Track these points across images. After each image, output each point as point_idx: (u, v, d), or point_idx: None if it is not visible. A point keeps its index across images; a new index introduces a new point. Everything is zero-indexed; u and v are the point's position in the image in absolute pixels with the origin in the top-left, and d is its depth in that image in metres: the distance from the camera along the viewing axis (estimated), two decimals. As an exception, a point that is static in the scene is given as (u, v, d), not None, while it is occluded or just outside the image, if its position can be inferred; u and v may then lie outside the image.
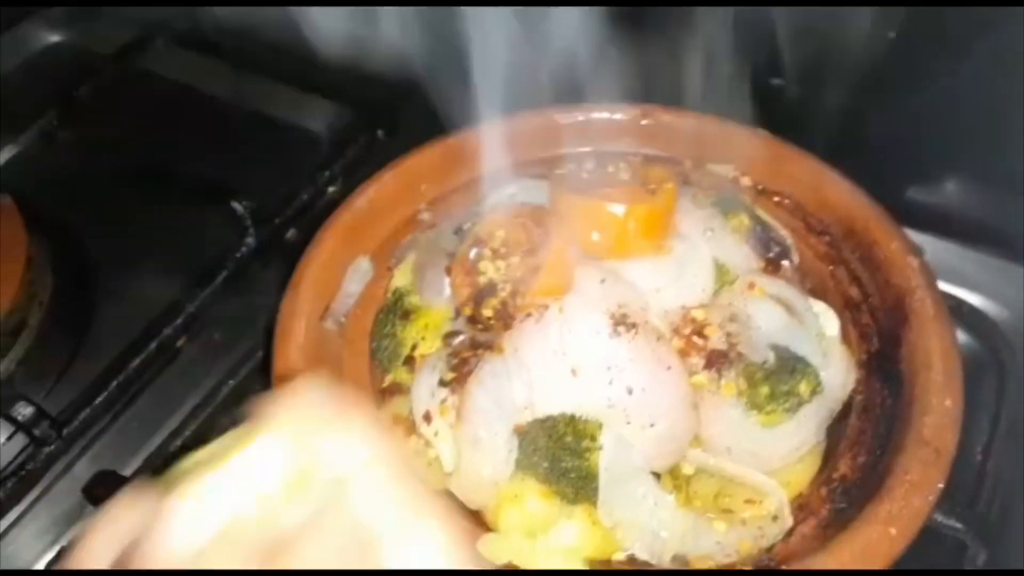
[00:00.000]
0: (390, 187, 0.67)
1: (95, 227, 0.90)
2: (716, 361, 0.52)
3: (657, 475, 0.54)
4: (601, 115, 0.72)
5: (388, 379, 0.59)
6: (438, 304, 0.59)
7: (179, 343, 0.79)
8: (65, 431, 0.70)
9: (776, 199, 0.69)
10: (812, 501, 0.54)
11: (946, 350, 0.55)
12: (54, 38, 1.08)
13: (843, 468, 0.55)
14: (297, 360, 0.57)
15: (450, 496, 0.55)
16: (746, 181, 0.69)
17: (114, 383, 0.73)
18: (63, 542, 0.65)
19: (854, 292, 0.63)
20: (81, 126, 0.97)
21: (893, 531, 0.48)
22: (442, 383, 0.55)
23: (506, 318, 0.53)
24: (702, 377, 0.53)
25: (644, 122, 0.71)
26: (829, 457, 0.56)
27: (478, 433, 0.53)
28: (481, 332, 0.54)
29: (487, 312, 0.54)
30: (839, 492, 0.54)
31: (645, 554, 0.52)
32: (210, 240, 0.83)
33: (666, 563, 0.51)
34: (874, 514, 0.49)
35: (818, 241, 0.66)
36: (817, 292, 0.63)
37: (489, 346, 0.54)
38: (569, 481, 0.51)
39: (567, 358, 0.50)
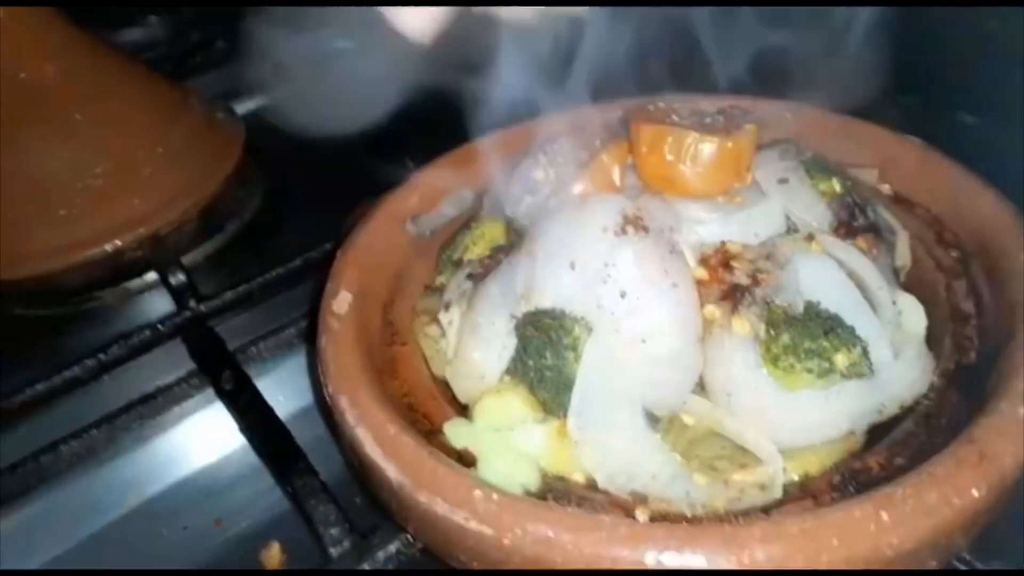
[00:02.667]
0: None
1: (311, 171, 1.03)
2: (733, 294, 0.47)
3: (655, 419, 0.49)
4: (748, 103, 0.69)
5: (439, 279, 0.61)
6: (499, 217, 0.60)
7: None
8: (204, 305, 0.80)
9: (915, 209, 0.61)
10: (818, 485, 0.46)
11: (1042, 361, 0.45)
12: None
13: (872, 463, 0.46)
14: (370, 245, 0.61)
15: (445, 386, 0.54)
16: (886, 188, 0.63)
17: (256, 282, 0.82)
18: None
19: (967, 306, 0.54)
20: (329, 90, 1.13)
21: (885, 516, 0.39)
22: (469, 276, 0.56)
23: (537, 217, 0.53)
24: (714, 308, 0.48)
25: (789, 115, 0.67)
26: (860, 452, 0.47)
27: (478, 320, 0.52)
28: (516, 233, 0.54)
29: (522, 209, 0.54)
30: (853, 483, 0.45)
31: (605, 482, 0.47)
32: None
33: (623, 496, 0.46)
34: (870, 497, 0.40)
35: (945, 254, 0.58)
36: (925, 299, 0.54)
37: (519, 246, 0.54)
38: (547, 383, 0.49)
39: (569, 250, 0.49)
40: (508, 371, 0.52)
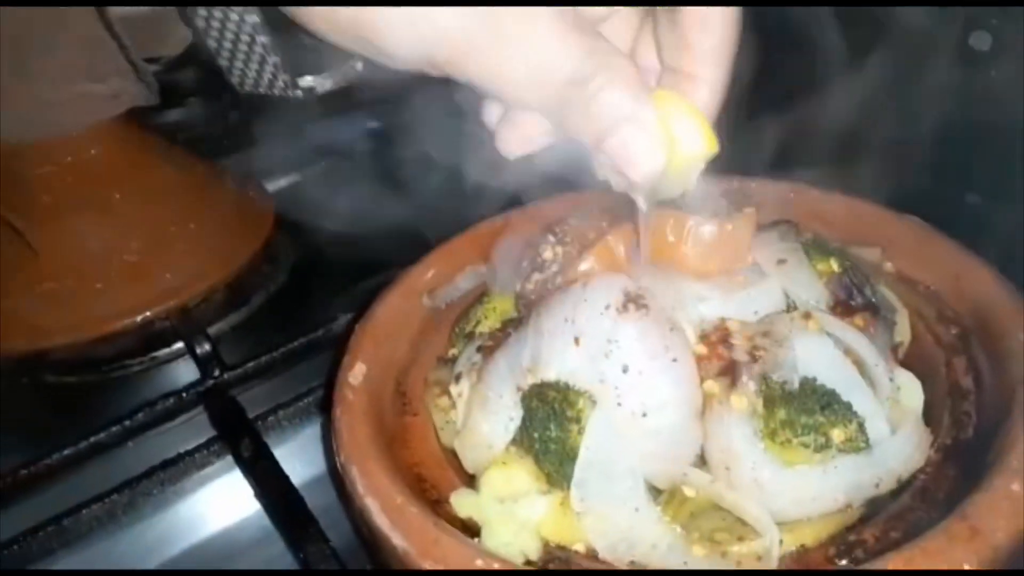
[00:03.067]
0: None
1: (339, 246, 1.07)
2: (731, 370, 0.49)
3: (657, 491, 0.51)
4: (752, 185, 0.72)
5: (452, 351, 0.63)
6: (510, 293, 0.63)
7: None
8: (228, 374, 0.83)
9: (918, 287, 0.63)
10: (814, 557, 0.46)
11: (1037, 438, 0.46)
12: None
13: (867, 536, 0.47)
14: (386, 318, 0.64)
15: (453, 456, 0.56)
16: (889, 267, 0.65)
17: (280, 351, 0.85)
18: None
19: (967, 382, 0.55)
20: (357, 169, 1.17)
21: (877, 589, 0.40)
22: (479, 349, 0.58)
23: (544, 294, 0.55)
24: (713, 384, 0.49)
25: (791, 196, 0.70)
26: (856, 525, 0.48)
27: (487, 393, 0.54)
28: (525, 308, 0.57)
29: (530, 286, 0.57)
30: (849, 556, 0.45)
31: (606, 552, 0.48)
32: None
33: (622, 565, 0.47)
34: (862, 571, 0.41)
35: (946, 331, 0.59)
36: (924, 375, 0.55)
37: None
38: (551, 454, 0.50)
39: (574, 326, 0.51)
40: (514, 442, 0.53)
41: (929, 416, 0.53)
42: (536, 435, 0.51)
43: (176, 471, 0.74)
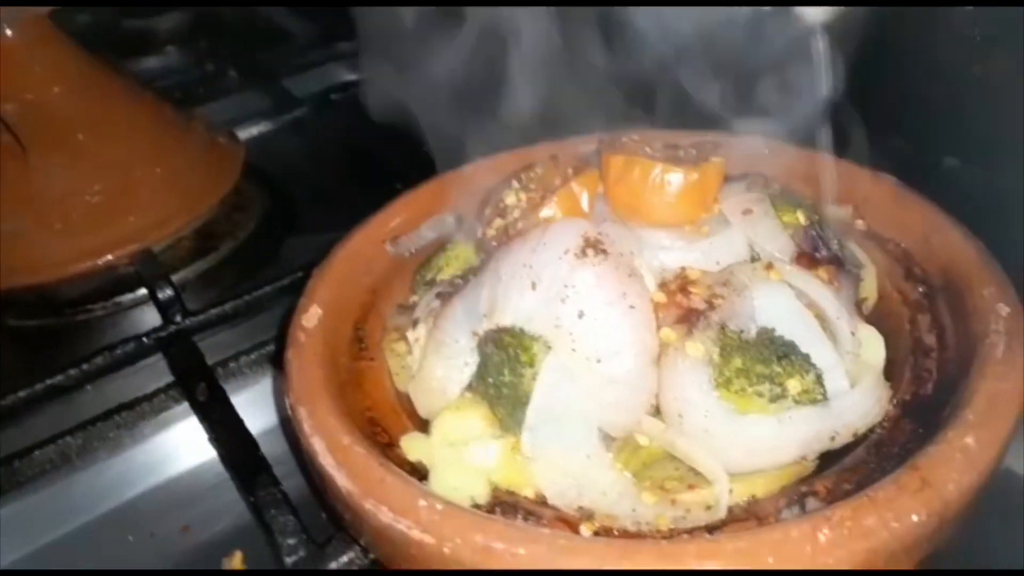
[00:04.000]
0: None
1: (309, 195, 1.05)
2: (688, 317, 0.48)
3: (610, 439, 0.50)
4: (725, 139, 0.71)
5: (412, 298, 0.62)
6: (472, 240, 0.61)
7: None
8: (190, 320, 0.81)
9: (887, 245, 0.62)
10: (764, 508, 0.46)
11: (995, 393, 0.45)
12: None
13: (819, 487, 0.46)
14: (346, 263, 0.62)
15: (408, 401, 0.55)
16: (860, 224, 0.64)
17: (243, 299, 0.83)
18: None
19: (930, 339, 0.54)
20: (330, 122, 1.15)
21: (821, 537, 0.39)
22: (438, 295, 0.57)
23: (505, 239, 0.54)
24: (670, 331, 0.48)
25: (765, 151, 0.68)
26: (809, 477, 0.47)
27: (443, 338, 0.53)
28: (486, 254, 0.56)
29: (491, 232, 0.55)
30: (800, 506, 0.45)
31: (555, 497, 0.47)
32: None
33: (570, 511, 0.46)
34: (809, 518, 0.40)
35: (912, 288, 0.58)
36: (888, 332, 0.55)
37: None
38: (504, 399, 0.49)
39: (532, 271, 0.49)
40: (469, 388, 0.52)
41: (890, 372, 0.52)
42: (490, 380, 0.50)
43: (132, 415, 0.73)
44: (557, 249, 0.49)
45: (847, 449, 0.48)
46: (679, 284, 0.50)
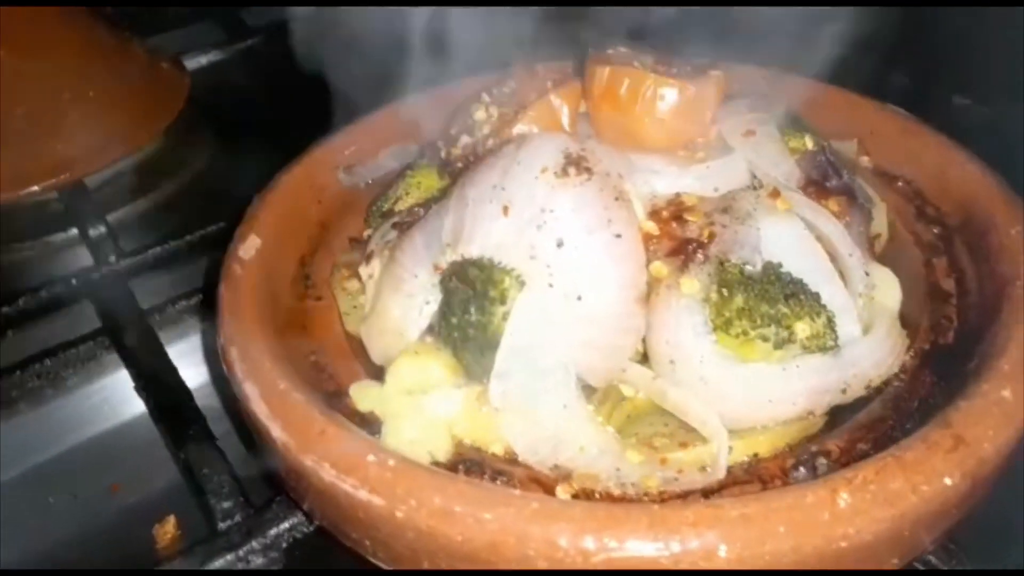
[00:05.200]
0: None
1: (262, 131, 0.97)
2: (684, 249, 0.41)
3: (590, 389, 0.43)
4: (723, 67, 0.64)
5: (366, 232, 0.55)
6: (435, 165, 0.54)
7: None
8: (124, 262, 0.73)
9: (896, 183, 0.55)
10: (768, 469, 0.40)
11: (1030, 340, 0.39)
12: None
13: (831, 446, 0.40)
14: (293, 190, 0.55)
15: (360, 345, 0.48)
16: (865, 161, 0.57)
17: (185, 239, 0.75)
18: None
19: (948, 284, 0.48)
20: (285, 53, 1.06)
21: (841, 503, 0.33)
22: (395, 226, 0.50)
23: (472, 159, 0.47)
24: (661, 265, 0.41)
25: (764, 81, 0.62)
26: (818, 435, 0.41)
27: (400, 272, 0.46)
28: (450, 176, 0.48)
29: (456, 151, 0.48)
30: (810, 468, 0.39)
31: (526, 454, 0.41)
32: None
33: (544, 471, 0.40)
34: (827, 480, 0.34)
35: (926, 229, 0.52)
36: (901, 276, 0.48)
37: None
38: (470, 341, 0.42)
39: (503, 193, 0.42)
40: (430, 331, 0.46)
41: (905, 320, 0.46)
42: (454, 320, 0.43)
43: (55, 363, 0.65)
44: (533, 168, 0.42)
45: (859, 404, 0.43)
46: (673, 212, 0.43)
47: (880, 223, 0.51)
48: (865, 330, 0.43)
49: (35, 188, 0.75)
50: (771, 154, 0.47)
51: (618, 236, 0.41)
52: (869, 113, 0.58)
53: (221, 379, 0.55)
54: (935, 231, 0.51)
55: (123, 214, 0.85)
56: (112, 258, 0.73)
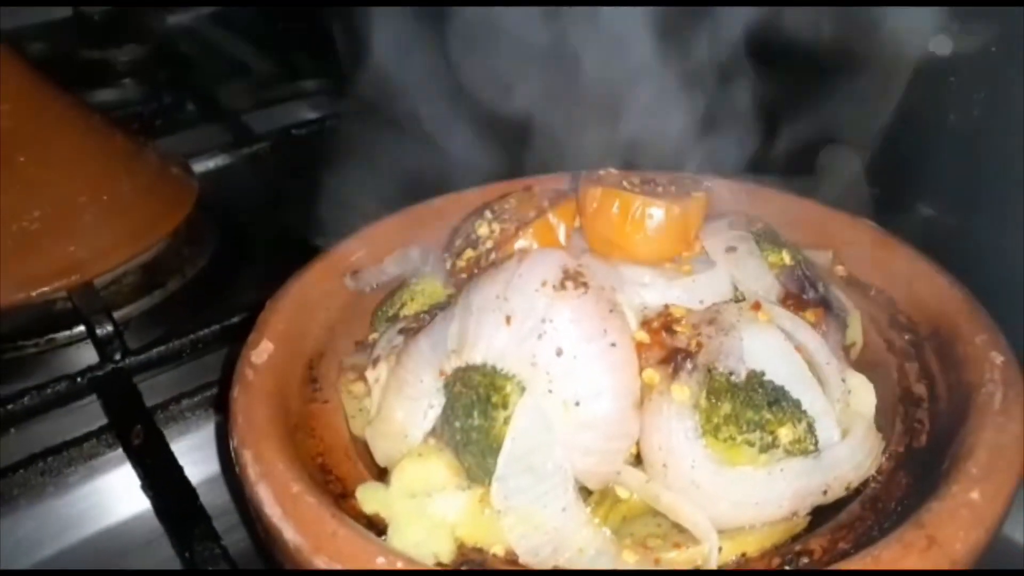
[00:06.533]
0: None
1: (264, 233, 1.01)
2: (673, 358, 0.44)
3: (587, 492, 0.46)
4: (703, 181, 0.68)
5: (372, 336, 0.58)
6: (439, 275, 0.57)
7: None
8: (130, 359, 0.75)
9: (869, 292, 0.59)
10: (756, 566, 0.42)
11: (996, 445, 0.42)
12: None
13: (814, 546, 0.42)
14: (302, 296, 0.58)
15: (365, 448, 0.50)
16: (840, 270, 0.61)
17: (188, 338, 0.78)
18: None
19: (920, 389, 0.51)
20: (290, 158, 1.12)
21: (825, 601, 0.35)
22: (401, 331, 0.53)
23: (476, 271, 0.50)
24: (653, 373, 0.45)
25: (743, 195, 0.66)
26: (802, 535, 0.43)
27: (405, 376, 0.49)
28: (455, 286, 0.52)
29: (461, 263, 0.52)
30: (796, 567, 0.41)
31: (527, 555, 0.43)
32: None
33: (544, 572, 0.42)
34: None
35: (898, 336, 0.56)
36: (875, 380, 0.52)
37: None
38: (472, 445, 0.45)
39: (506, 304, 0.46)
40: (433, 433, 0.48)
41: (879, 423, 0.49)
42: (457, 424, 0.46)
43: (59, 461, 0.66)
44: (534, 281, 0.46)
45: (839, 504, 0.45)
46: (662, 322, 0.46)
47: (855, 331, 0.54)
48: (843, 434, 0.46)
49: (46, 289, 0.77)
50: (751, 269, 0.51)
51: (613, 345, 0.44)
52: (843, 225, 0.62)
53: (229, 470, 0.57)
54: (907, 338, 0.55)
55: (127, 312, 0.88)
56: (118, 356, 0.75)
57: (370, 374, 0.52)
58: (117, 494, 0.67)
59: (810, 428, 0.44)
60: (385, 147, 1.18)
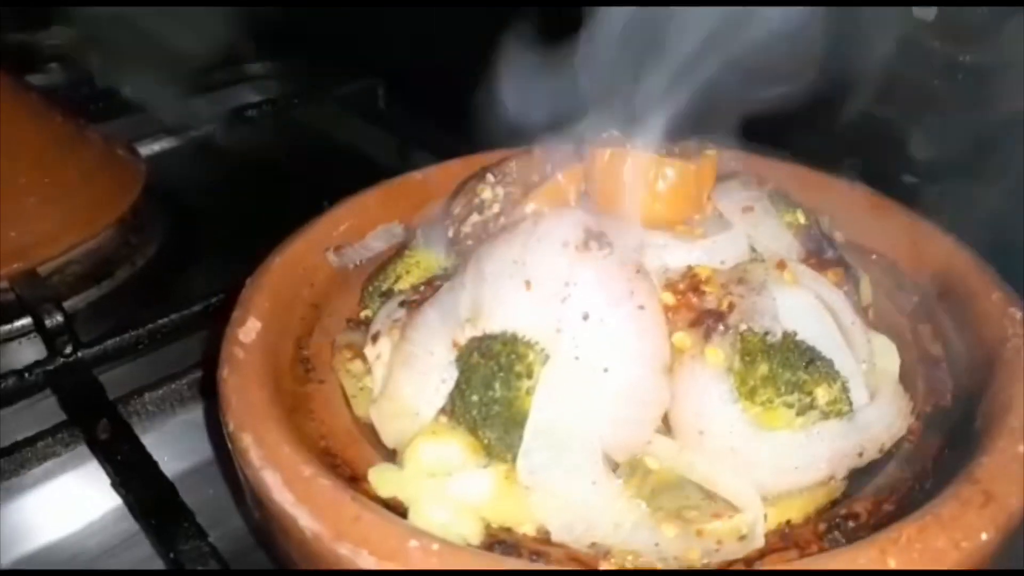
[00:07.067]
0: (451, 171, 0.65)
1: (214, 220, 0.95)
2: (705, 319, 0.42)
3: (614, 464, 0.43)
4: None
5: (364, 313, 0.54)
6: (436, 248, 0.54)
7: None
8: (82, 352, 0.70)
9: (871, 256, 0.58)
10: (802, 533, 0.40)
11: (1034, 397, 0.41)
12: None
13: (859, 509, 0.41)
14: (285, 272, 0.54)
15: (369, 429, 0.47)
16: (839, 236, 0.60)
17: (145, 328, 0.73)
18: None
19: (936, 349, 0.51)
20: (240, 142, 1.06)
21: (892, 563, 0.33)
22: (402, 304, 0.49)
23: (484, 236, 0.47)
24: (684, 336, 0.42)
25: (736, 161, 0.64)
26: (841, 499, 0.42)
27: (413, 350, 0.45)
28: (459, 256, 0.48)
29: (466, 228, 0.48)
30: (843, 531, 0.39)
31: (560, 533, 0.40)
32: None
33: (581, 549, 0.39)
34: (873, 542, 0.35)
35: (907, 298, 0.55)
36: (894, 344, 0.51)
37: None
38: (493, 418, 0.42)
39: (525, 268, 0.43)
40: (445, 410, 0.45)
41: (903, 385, 0.48)
42: (476, 397, 0.43)
43: (12, 462, 0.60)
44: (555, 242, 0.43)
45: (874, 467, 0.44)
46: (689, 284, 0.44)
47: (866, 293, 0.53)
48: (871, 395, 0.45)
49: (-14, 277, 0.71)
50: (770, 229, 0.49)
51: (641, 308, 0.42)
52: (840, 190, 0.61)
53: (223, 457, 0.52)
54: (915, 300, 0.54)
55: (74, 303, 0.81)
56: (68, 349, 0.69)
57: (369, 351, 0.49)
58: (80, 494, 0.61)
59: (844, 388, 0.43)
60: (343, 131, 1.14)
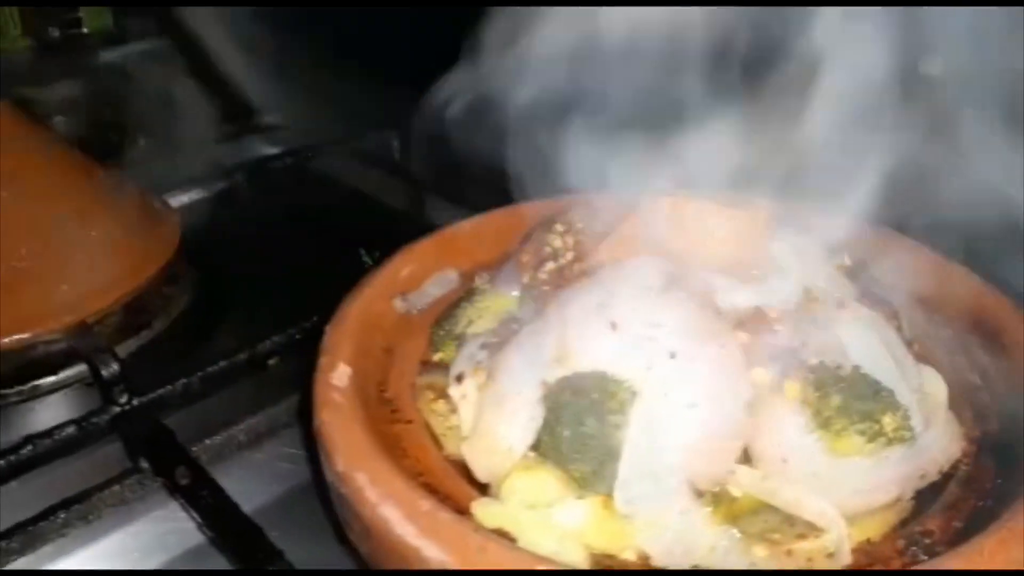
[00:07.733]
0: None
1: (244, 269, 0.98)
2: (779, 356, 0.46)
3: (700, 493, 0.46)
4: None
5: (437, 356, 0.57)
6: (507, 293, 0.57)
7: (271, 361, 0.80)
8: (137, 400, 0.72)
9: (892, 293, 0.62)
10: (883, 550, 0.43)
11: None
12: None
13: (932, 525, 0.44)
14: (361, 318, 0.57)
15: (459, 466, 0.50)
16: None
17: (197, 375, 0.75)
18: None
19: (974, 378, 0.55)
20: (264, 192, 1.09)
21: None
22: (483, 347, 0.52)
23: (560, 283, 0.51)
24: (762, 372, 0.46)
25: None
26: (914, 516, 0.45)
27: (503, 391, 0.48)
28: (536, 300, 0.52)
29: (542, 276, 0.52)
30: (921, 547, 0.43)
31: (661, 557, 0.43)
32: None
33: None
34: (959, 556, 0.38)
35: (938, 333, 0.59)
36: (936, 374, 0.55)
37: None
38: (588, 452, 0.45)
39: (609, 311, 0.46)
40: (533, 446, 0.48)
41: (951, 412, 0.52)
42: (567, 433, 0.46)
43: (82, 510, 0.62)
44: (636, 284, 0.47)
45: (934, 488, 0.47)
46: (759, 322, 0.48)
47: (907, 329, 0.57)
48: (926, 422, 0.49)
49: (41, 330, 0.73)
50: (824, 271, 0.53)
51: (723, 347, 0.46)
52: (864, 231, 0.66)
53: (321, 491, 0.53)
54: (947, 334, 0.58)
55: (119, 353, 0.83)
56: (124, 398, 0.71)
57: (454, 391, 0.52)
58: (148, 539, 0.63)
59: (906, 416, 0.46)
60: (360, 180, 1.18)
